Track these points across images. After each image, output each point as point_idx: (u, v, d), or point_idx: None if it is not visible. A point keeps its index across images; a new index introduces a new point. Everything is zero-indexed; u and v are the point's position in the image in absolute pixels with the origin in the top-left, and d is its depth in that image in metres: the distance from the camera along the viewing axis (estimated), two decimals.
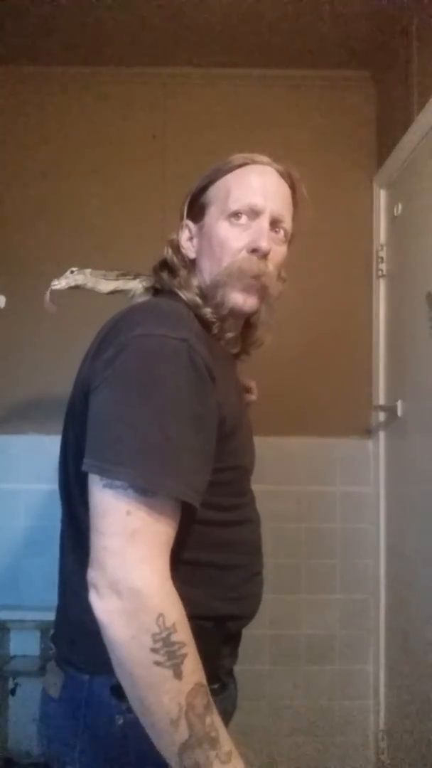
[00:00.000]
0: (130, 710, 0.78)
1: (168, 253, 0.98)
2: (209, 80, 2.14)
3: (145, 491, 0.70)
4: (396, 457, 1.98)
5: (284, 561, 2.04)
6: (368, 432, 2.12)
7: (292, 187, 0.97)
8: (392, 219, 2.02)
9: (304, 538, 2.08)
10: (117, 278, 1.18)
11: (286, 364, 1.99)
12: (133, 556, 0.69)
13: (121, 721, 0.80)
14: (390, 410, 1.97)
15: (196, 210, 0.96)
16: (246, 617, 0.92)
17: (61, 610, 0.90)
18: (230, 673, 0.97)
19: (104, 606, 0.69)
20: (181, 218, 0.98)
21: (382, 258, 2.09)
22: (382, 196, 2.10)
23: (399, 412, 1.89)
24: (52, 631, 0.95)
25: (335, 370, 2.12)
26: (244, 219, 0.90)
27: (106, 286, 1.20)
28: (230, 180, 0.93)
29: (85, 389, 0.81)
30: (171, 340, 0.76)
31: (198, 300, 0.92)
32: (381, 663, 2.03)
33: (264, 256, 0.90)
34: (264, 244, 0.89)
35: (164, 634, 0.67)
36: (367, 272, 2.14)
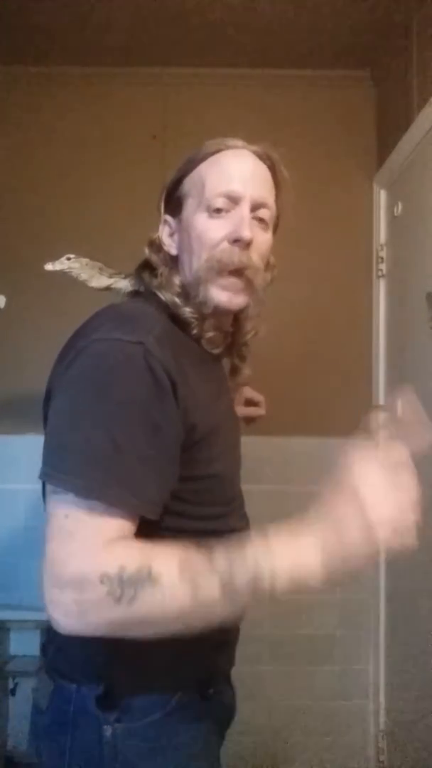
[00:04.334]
0: (118, 720, 0.77)
1: (148, 252, 0.93)
2: (209, 80, 2.13)
3: (88, 497, 0.68)
4: None
5: None
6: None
7: (272, 169, 0.90)
8: (392, 219, 2.02)
9: None
10: (110, 276, 1.16)
11: (286, 364, 1.99)
12: (68, 551, 0.66)
13: (109, 732, 0.77)
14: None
15: (174, 204, 0.91)
16: (230, 626, 0.86)
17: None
18: (227, 678, 0.94)
19: (53, 605, 0.66)
20: (160, 214, 0.94)
21: (382, 258, 2.09)
22: (382, 196, 2.10)
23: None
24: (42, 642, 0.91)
25: (335, 370, 2.12)
26: (222, 210, 0.85)
27: (98, 281, 1.17)
28: (204, 169, 0.88)
29: (48, 395, 0.82)
30: (126, 344, 0.73)
31: (177, 300, 0.87)
32: (381, 663, 2.03)
33: (246, 246, 0.84)
34: (246, 233, 0.83)
35: (116, 582, 0.63)
36: (367, 272, 2.14)
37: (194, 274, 0.86)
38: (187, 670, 0.77)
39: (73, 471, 0.68)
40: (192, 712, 0.82)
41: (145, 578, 0.63)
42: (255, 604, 0.66)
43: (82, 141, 2.13)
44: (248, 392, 1.25)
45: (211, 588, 0.63)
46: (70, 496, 0.67)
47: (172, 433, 0.74)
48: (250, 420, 1.25)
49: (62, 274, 1.21)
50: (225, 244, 0.84)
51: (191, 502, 0.80)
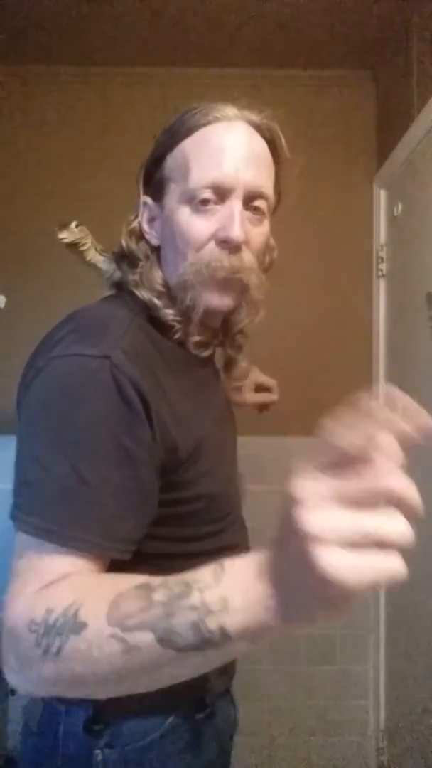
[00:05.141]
0: (108, 745, 0.74)
1: (126, 242, 0.81)
2: (209, 80, 2.13)
3: (41, 538, 0.59)
4: None
5: None
6: None
7: (272, 142, 0.78)
8: (392, 219, 2.02)
9: None
10: (100, 253, 1.12)
11: (285, 364, 1.98)
12: (11, 596, 0.57)
13: (100, 758, 0.74)
14: None
15: (155, 185, 0.78)
16: None
17: None
18: (226, 692, 0.89)
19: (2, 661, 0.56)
20: (138, 195, 0.81)
21: (382, 258, 2.09)
22: (382, 196, 2.10)
23: None
24: None
25: (335, 369, 2.12)
26: (210, 202, 0.72)
27: (93, 255, 1.11)
28: (189, 147, 0.73)
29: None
30: (89, 359, 0.64)
31: (157, 302, 0.76)
32: (381, 663, 2.03)
33: (237, 248, 0.72)
34: (236, 234, 0.71)
35: (42, 629, 0.52)
36: (367, 272, 2.14)
37: (180, 278, 0.75)
38: (182, 690, 0.67)
39: (28, 509, 0.60)
40: (187, 734, 0.78)
41: (70, 624, 0.50)
42: (215, 656, 0.48)
43: (82, 141, 2.13)
44: (259, 377, 1.14)
45: (143, 637, 0.47)
46: (24, 536, 0.60)
47: (146, 458, 0.65)
48: (263, 407, 1.15)
49: (63, 247, 1.14)
50: (212, 245, 0.73)
51: (177, 525, 0.71)
